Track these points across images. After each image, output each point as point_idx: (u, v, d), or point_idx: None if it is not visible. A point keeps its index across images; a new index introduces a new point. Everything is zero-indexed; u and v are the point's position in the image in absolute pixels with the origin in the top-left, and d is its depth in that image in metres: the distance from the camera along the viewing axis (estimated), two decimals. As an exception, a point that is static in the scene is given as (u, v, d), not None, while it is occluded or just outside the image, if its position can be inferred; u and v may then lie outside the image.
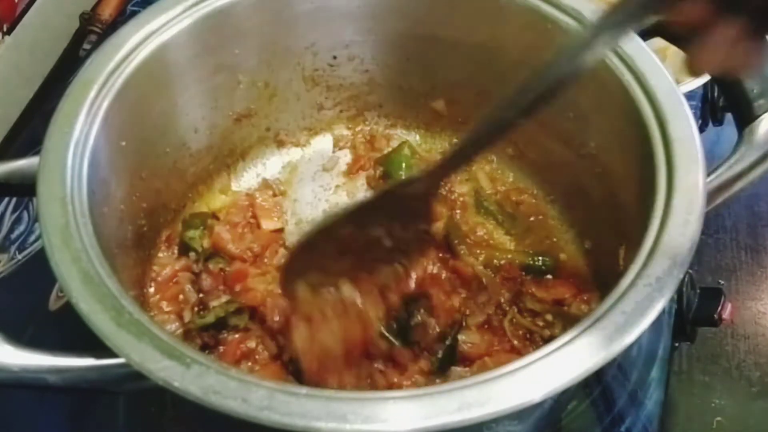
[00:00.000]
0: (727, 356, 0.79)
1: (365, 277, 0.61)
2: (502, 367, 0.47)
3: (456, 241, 0.75)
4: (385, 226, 0.60)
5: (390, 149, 0.84)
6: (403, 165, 0.81)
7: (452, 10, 0.74)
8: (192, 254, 0.73)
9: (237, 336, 0.68)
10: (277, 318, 0.66)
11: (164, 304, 0.70)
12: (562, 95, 0.48)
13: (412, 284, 0.66)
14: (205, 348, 0.67)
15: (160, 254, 0.74)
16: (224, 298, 0.69)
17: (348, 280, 0.61)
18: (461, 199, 0.80)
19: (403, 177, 0.78)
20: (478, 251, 0.75)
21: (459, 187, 0.80)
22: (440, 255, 0.76)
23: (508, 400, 0.45)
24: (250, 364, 0.67)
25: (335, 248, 0.60)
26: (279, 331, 0.67)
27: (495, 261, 0.74)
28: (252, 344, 0.67)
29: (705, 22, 0.43)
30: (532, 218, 0.78)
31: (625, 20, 0.46)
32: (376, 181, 0.82)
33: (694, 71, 0.45)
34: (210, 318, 0.67)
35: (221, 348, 0.67)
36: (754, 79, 0.62)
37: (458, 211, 0.79)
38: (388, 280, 0.62)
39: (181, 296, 0.71)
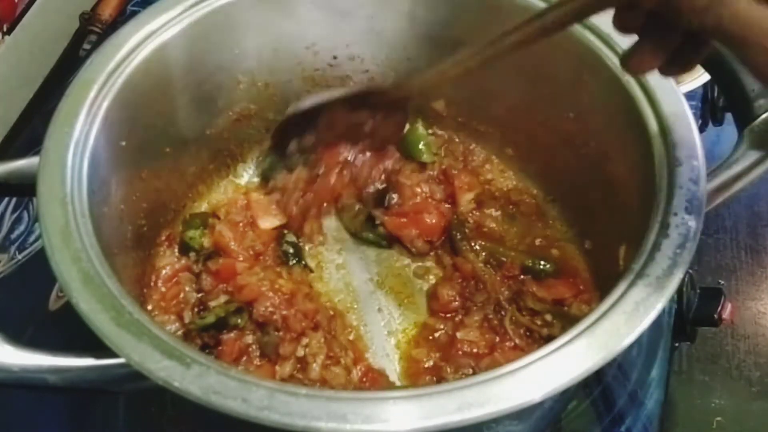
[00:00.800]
0: (727, 356, 0.79)
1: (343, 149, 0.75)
2: (502, 367, 0.47)
3: (458, 236, 0.76)
4: (370, 113, 0.71)
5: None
6: (421, 143, 0.82)
7: (452, 11, 0.74)
8: (192, 254, 0.73)
9: (232, 335, 0.68)
10: (263, 309, 0.67)
11: (164, 305, 0.70)
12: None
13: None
14: (205, 348, 0.67)
15: (161, 254, 0.74)
16: (224, 298, 0.69)
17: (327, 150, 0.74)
18: (463, 198, 0.80)
19: (423, 155, 0.82)
20: (479, 248, 0.75)
21: (460, 185, 0.80)
22: (439, 252, 0.76)
23: (508, 400, 0.45)
24: (245, 359, 0.67)
25: (325, 123, 0.72)
26: (264, 323, 0.67)
27: (497, 257, 0.74)
28: (249, 340, 0.67)
29: (640, 31, 0.48)
30: (532, 218, 0.78)
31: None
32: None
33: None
34: (210, 318, 0.67)
35: (221, 348, 0.67)
36: (753, 79, 0.62)
37: (461, 209, 0.79)
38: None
39: (181, 296, 0.71)
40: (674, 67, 0.50)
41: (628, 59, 0.50)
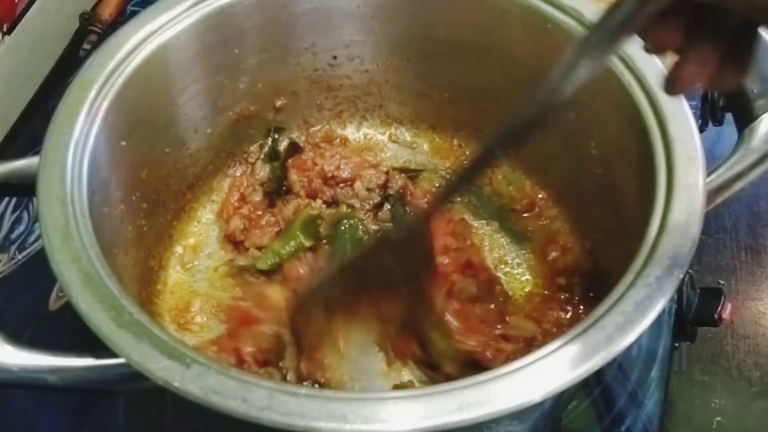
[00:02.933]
0: (727, 356, 0.79)
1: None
2: (502, 367, 0.47)
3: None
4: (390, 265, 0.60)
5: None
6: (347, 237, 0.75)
7: (452, 10, 0.74)
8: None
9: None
10: None
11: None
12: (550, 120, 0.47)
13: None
14: None
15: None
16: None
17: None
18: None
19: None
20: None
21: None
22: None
23: (508, 400, 0.45)
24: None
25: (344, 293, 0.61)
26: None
27: None
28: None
29: (680, 47, 0.43)
30: (532, 217, 0.78)
31: (600, 45, 0.44)
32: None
33: (670, 91, 0.45)
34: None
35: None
36: (754, 79, 0.62)
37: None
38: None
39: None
40: (729, 73, 0.42)
41: (675, 78, 0.43)
